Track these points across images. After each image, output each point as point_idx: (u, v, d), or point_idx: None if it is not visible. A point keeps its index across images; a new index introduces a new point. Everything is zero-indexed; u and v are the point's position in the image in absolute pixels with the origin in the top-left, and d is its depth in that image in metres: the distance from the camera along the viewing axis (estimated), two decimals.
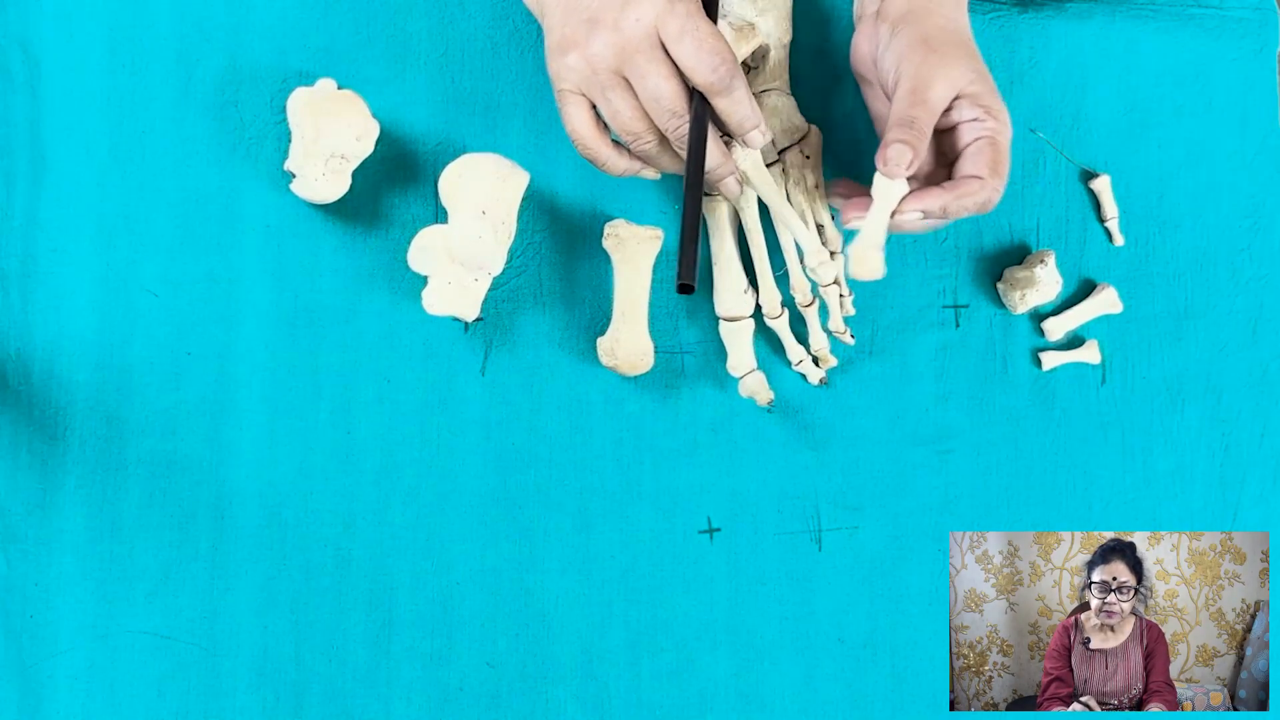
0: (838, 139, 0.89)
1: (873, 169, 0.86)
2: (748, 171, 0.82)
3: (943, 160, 0.82)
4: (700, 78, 0.76)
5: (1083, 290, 0.91)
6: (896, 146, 0.77)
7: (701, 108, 0.77)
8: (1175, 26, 0.92)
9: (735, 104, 0.77)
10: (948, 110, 0.79)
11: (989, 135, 0.79)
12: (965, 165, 0.80)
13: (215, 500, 0.82)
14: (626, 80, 0.76)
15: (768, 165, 0.85)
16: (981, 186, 0.79)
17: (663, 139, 0.79)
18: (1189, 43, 0.92)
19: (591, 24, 0.76)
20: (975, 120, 0.79)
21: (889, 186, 0.78)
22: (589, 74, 0.77)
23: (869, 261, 0.78)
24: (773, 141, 0.85)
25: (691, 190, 0.77)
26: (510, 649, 0.84)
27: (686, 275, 0.75)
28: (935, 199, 0.79)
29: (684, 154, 0.78)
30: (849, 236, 0.86)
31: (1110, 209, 0.91)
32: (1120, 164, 0.92)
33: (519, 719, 0.84)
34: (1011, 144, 0.80)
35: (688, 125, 0.77)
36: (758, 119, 0.79)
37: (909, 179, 0.79)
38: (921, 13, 0.80)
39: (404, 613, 0.84)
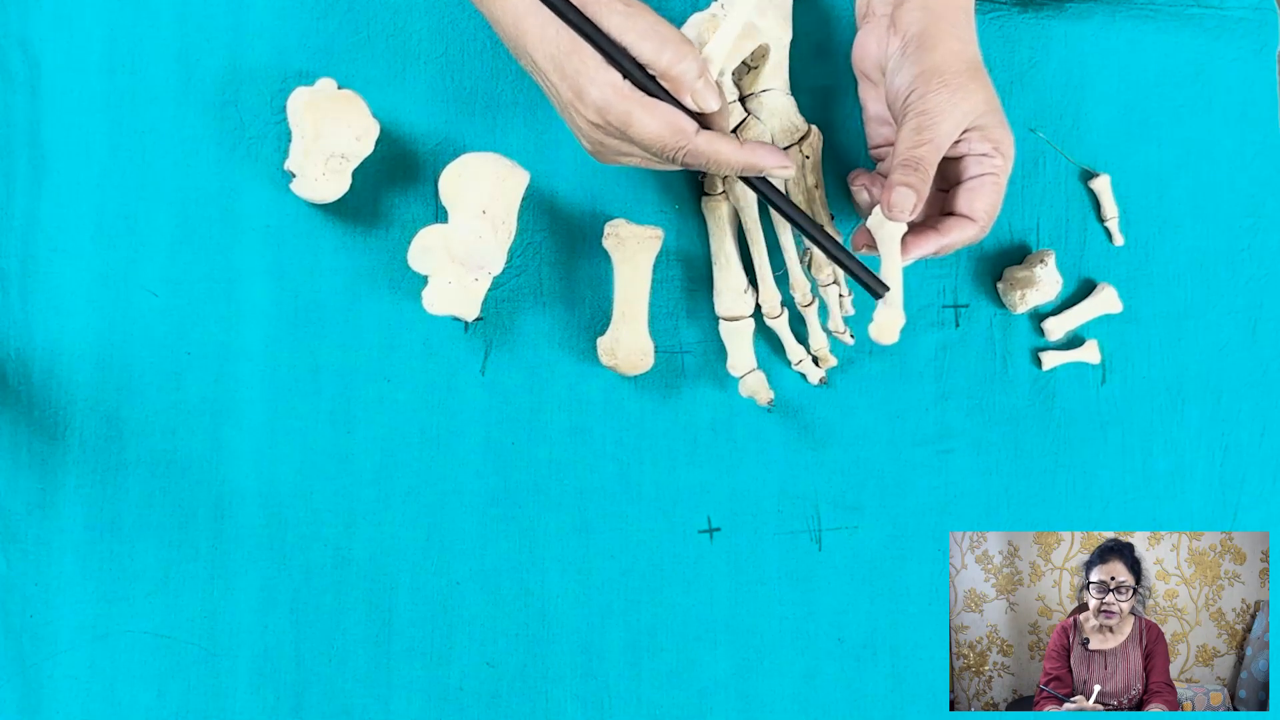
0: (838, 139, 0.89)
1: (869, 167, 0.87)
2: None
3: (942, 184, 0.82)
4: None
5: (1083, 290, 0.91)
6: (901, 190, 0.77)
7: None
8: (1175, 26, 0.92)
9: (714, 164, 0.76)
10: (957, 141, 0.79)
11: (993, 174, 0.80)
12: (961, 200, 0.80)
13: (215, 500, 0.82)
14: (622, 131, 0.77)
15: None
16: (970, 227, 0.80)
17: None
18: (1189, 43, 0.92)
19: (568, 121, 0.78)
20: (983, 155, 0.80)
21: (889, 224, 0.79)
22: (599, 156, 0.79)
23: (894, 331, 0.80)
24: (772, 141, 0.85)
25: (792, 213, 0.79)
26: (510, 649, 0.84)
27: (877, 284, 0.79)
28: (931, 244, 0.80)
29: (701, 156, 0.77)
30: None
31: (1110, 209, 0.91)
32: (1120, 164, 0.92)
33: (519, 719, 0.84)
34: (1015, 152, 0.81)
35: (686, 154, 0.76)
36: (741, 157, 0.77)
37: None
38: (935, 35, 0.79)
39: (404, 613, 0.84)
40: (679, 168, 0.77)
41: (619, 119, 0.74)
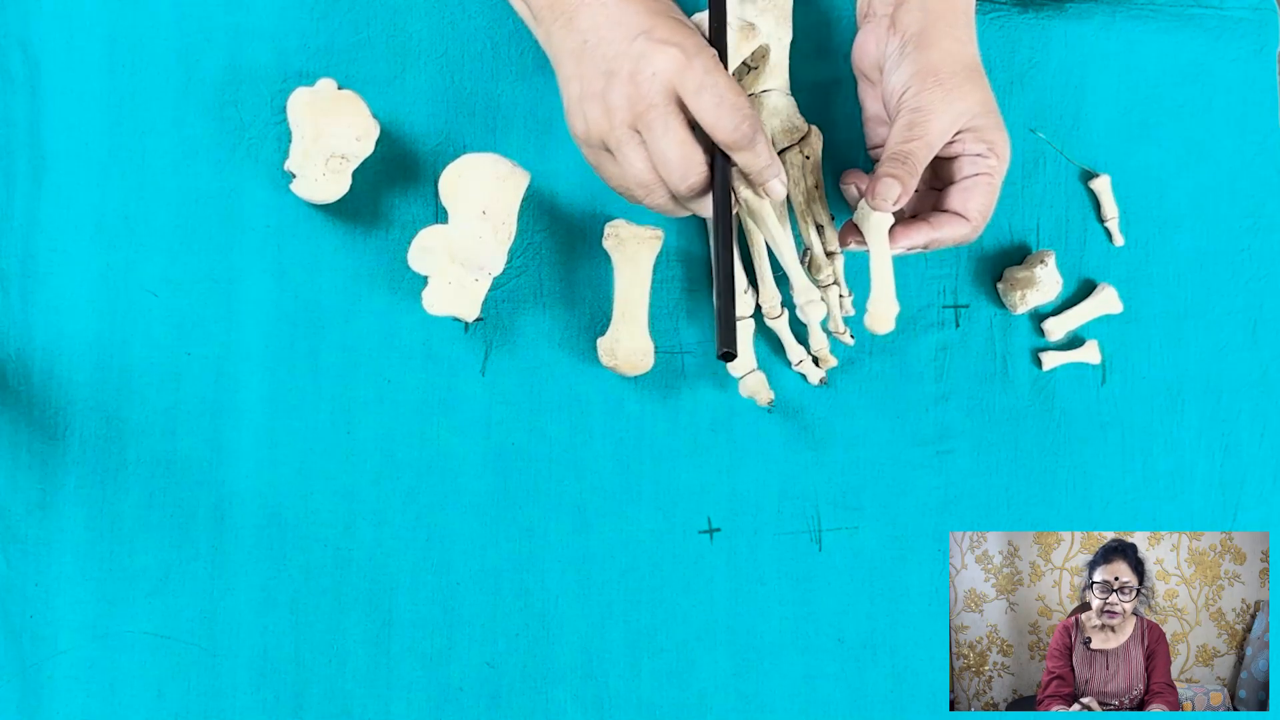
0: (838, 139, 0.89)
1: (868, 168, 0.87)
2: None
3: (935, 182, 0.83)
4: (722, 135, 0.73)
5: (1083, 290, 0.91)
6: (886, 181, 0.77)
7: (724, 164, 0.75)
8: (1175, 26, 0.92)
9: (756, 157, 0.75)
10: (951, 142, 0.79)
11: (987, 174, 0.80)
12: (955, 199, 0.81)
13: (215, 500, 0.82)
14: (640, 133, 0.74)
15: None
16: (963, 225, 0.80)
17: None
18: (1189, 43, 0.92)
19: (609, 76, 0.73)
20: (977, 156, 0.80)
21: (876, 215, 0.79)
22: (607, 127, 0.75)
23: (889, 320, 0.80)
24: (772, 142, 0.85)
25: (723, 252, 0.75)
26: (510, 649, 0.84)
27: (726, 341, 0.74)
28: (921, 235, 0.80)
29: (699, 208, 0.76)
30: (848, 255, 0.86)
31: (1110, 209, 0.91)
32: (1120, 164, 0.92)
33: (519, 719, 0.84)
34: (1010, 154, 0.81)
35: (697, 183, 0.74)
36: (778, 167, 0.76)
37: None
38: (934, 35, 0.79)
39: (404, 613, 0.84)
40: (675, 196, 0.75)
41: (700, 68, 0.72)
